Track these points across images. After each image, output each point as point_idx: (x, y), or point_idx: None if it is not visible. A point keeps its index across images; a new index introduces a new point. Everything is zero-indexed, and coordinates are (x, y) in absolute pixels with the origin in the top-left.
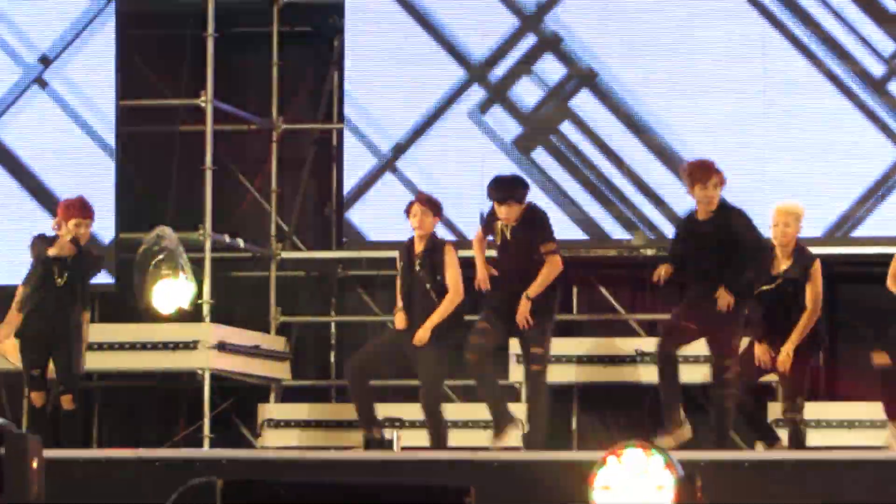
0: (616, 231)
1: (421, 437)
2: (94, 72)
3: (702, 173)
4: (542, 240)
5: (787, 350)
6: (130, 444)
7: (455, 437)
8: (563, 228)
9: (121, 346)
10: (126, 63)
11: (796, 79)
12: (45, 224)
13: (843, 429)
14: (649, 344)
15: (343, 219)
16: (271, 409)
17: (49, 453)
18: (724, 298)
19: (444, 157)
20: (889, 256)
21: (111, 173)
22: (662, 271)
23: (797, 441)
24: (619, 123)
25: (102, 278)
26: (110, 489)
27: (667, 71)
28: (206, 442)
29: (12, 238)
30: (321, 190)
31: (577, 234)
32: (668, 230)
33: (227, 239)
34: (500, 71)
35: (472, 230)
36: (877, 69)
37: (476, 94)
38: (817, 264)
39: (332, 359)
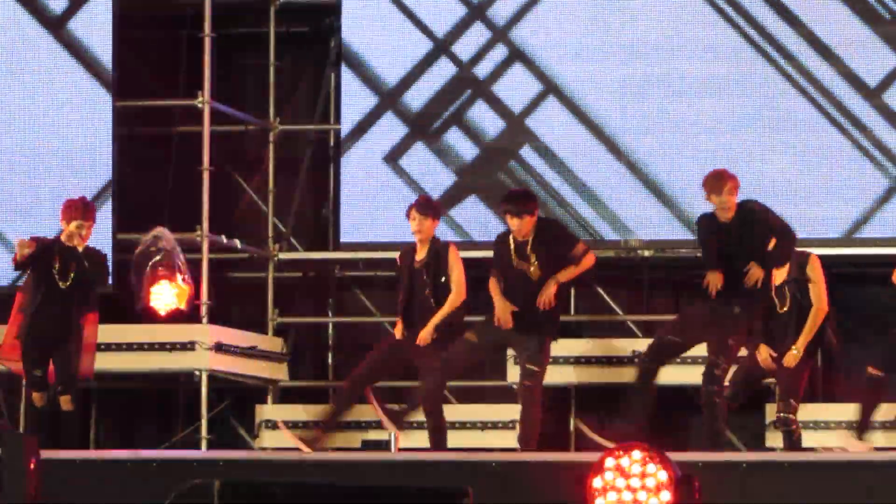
0: (615, 232)
1: (418, 439)
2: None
3: (715, 182)
4: (571, 245)
5: (799, 346)
6: (128, 444)
7: (453, 438)
8: None
9: (118, 347)
10: (123, 64)
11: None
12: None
13: (841, 430)
14: (646, 345)
15: (340, 219)
16: (269, 410)
17: (46, 454)
18: (755, 272)
19: (443, 156)
20: (888, 257)
21: (108, 174)
22: (717, 281)
23: (790, 443)
24: (620, 123)
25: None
26: (108, 490)
27: (666, 71)
28: (204, 443)
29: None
30: (318, 191)
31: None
32: (668, 231)
33: (224, 240)
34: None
35: (472, 230)
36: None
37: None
38: (817, 262)
39: (330, 360)
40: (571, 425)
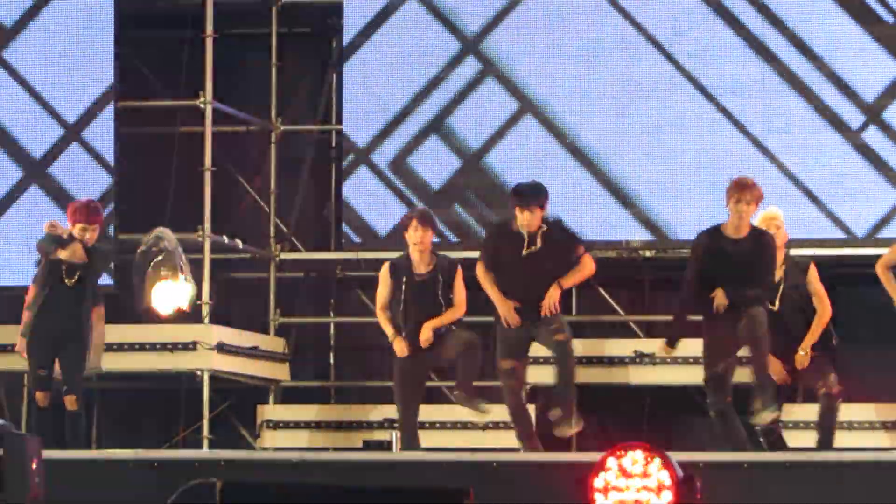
0: (615, 232)
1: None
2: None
3: (738, 188)
4: (576, 246)
5: (805, 347)
6: (129, 444)
7: (453, 438)
8: None
9: (120, 347)
10: (125, 64)
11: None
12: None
13: (842, 430)
14: (648, 345)
15: (341, 220)
16: (270, 411)
17: (48, 454)
18: (721, 298)
19: (444, 157)
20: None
21: (110, 175)
22: (723, 299)
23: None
24: (621, 124)
25: (102, 279)
26: (109, 490)
27: (667, 71)
28: (206, 443)
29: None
30: (320, 191)
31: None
32: (667, 232)
33: (225, 240)
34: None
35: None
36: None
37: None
38: (815, 268)
39: (332, 360)
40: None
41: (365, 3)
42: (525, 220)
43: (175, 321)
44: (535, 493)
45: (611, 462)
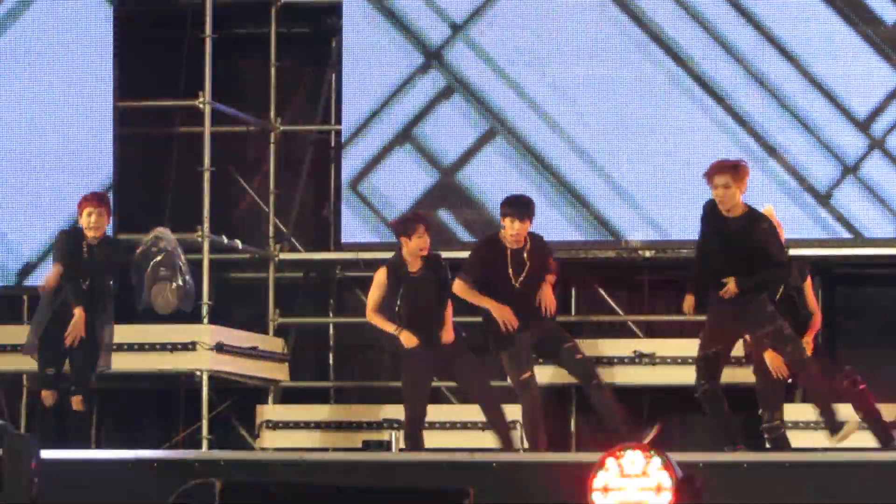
0: (615, 232)
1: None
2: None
3: (711, 171)
4: (550, 258)
5: (806, 341)
6: (129, 445)
7: (453, 439)
8: (562, 229)
9: (119, 347)
10: (124, 64)
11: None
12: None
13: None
14: (647, 345)
15: (340, 220)
16: (270, 411)
17: (47, 454)
18: (731, 288)
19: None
20: (885, 258)
21: (109, 174)
22: (690, 304)
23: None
24: (623, 122)
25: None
26: (109, 490)
27: (667, 72)
28: (205, 443)
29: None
30: (319, 191)
31: (575, 235)
32: (667, 232)
33: (224, 240)
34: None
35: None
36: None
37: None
38: (809, 277)
39: (331, 360)
40: (572, 425)
41: (363, 4)
42: (516, 229)
43: (174, 321)
44: (534, 493)
45: (610, 462)
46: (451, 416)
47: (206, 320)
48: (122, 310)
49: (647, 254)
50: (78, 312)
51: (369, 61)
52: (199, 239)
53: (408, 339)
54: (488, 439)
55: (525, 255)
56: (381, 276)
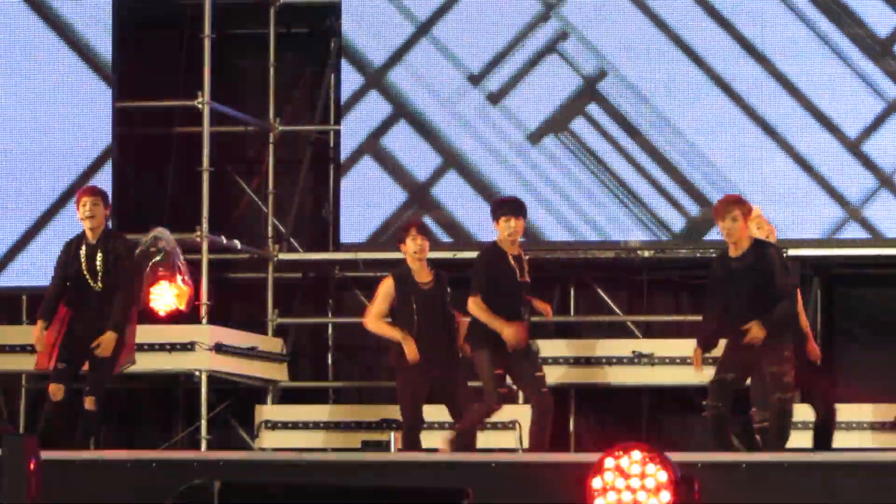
0: (614, 232)
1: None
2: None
3: (719, 207)
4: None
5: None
6: (128, 445)
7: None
8: (562, 230)
9: None
10: (123, 64)
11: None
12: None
13: (840, 430)
14: (646, 345)
15: (339, 220)
16: (269, 411)
17: (48, 454)
18: (756, 333)
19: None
20: (884, 257)
21: (108, 175)
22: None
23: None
24: (622, 123)
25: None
26: (108, 491)
27: (667, 72)
28: (204, 443)
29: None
30: (318, 191)
31: (575, 235)
32: (666, 232)
33: (223, 240)
34: (506, 70)
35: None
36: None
37: (475, 92)
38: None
39: (330, 360)
40: (571, 425)
41: (362, 4)
42: (513, 227)
43: (173, 322)
44: (533, 493)
45: (609, 462)
46: (450, 417)
47: (205, 320)
48: None
49: (646, 254)
50: (109, 335)
51: (368, 60)
52: (198, 239)
53: (412, 353)
54: (488, 439)
55: (519, 258)
56: (388, 286)
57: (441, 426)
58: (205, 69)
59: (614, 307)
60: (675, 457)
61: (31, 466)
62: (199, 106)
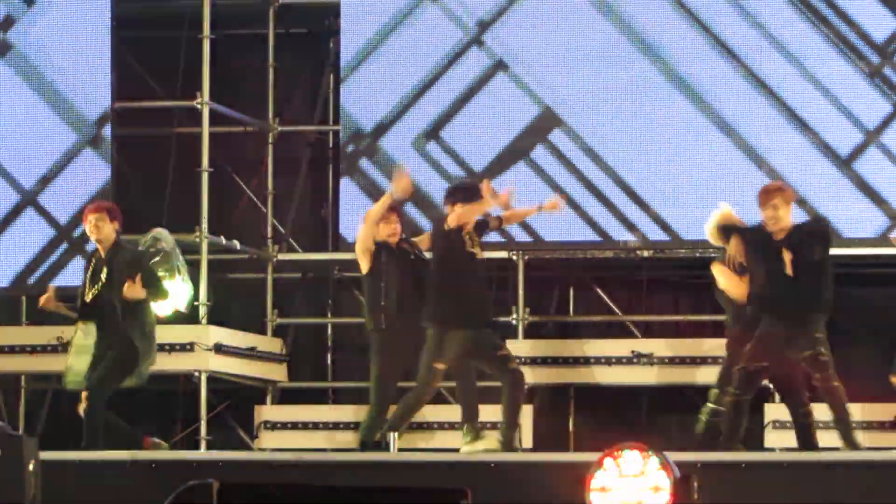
0: (614, 232)
1: (416, 439)
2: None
3: (760, 196)
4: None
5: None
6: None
7: (453, 439)
8: (562, 229)
9: None
10: (122, 65)
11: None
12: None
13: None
14: (645, 345)
15: (338, 220)
16: (268, 411)
17: (48, 454)
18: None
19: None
20: (884, 257)
21: (107, 175)
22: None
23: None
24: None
25: None
26: (107, 491)
27: (668, 73)
28: (203, 444)
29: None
30: (317, 192)
31: (574, 235)
32: (666, 232)
33: (223, 241)
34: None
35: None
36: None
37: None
38: None
39: (329, 360)
40: (570, 425)
41: (361, 4)
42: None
43: (172, 322)
44: (532, 493)
45: (608, 462)
46: (450, 417)
47: (204, 321)
48: None
49: (645, 254)
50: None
51: (367, 61)
52: (198, 239)
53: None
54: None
55: (475, 233)
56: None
57: (440, 426)
58: (204, 69)
59: (613, 307)
60: (675, 456)
61: (30, 467)
62: (199, 106)
